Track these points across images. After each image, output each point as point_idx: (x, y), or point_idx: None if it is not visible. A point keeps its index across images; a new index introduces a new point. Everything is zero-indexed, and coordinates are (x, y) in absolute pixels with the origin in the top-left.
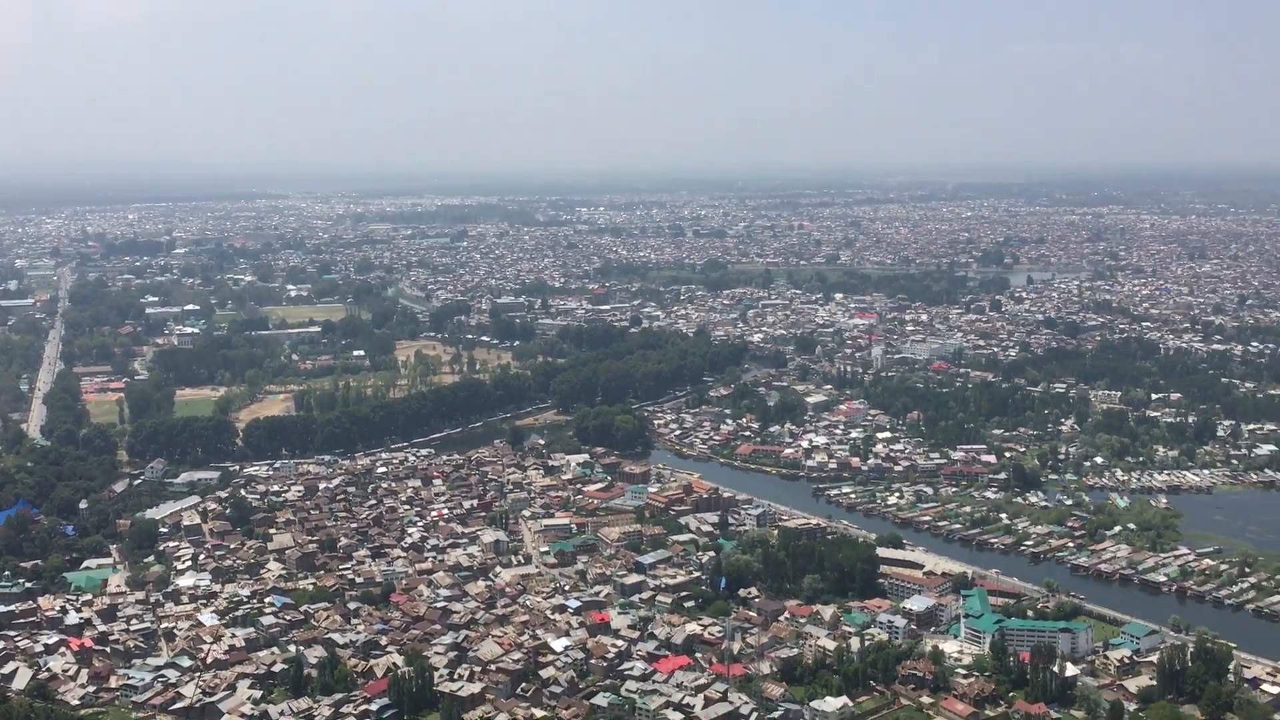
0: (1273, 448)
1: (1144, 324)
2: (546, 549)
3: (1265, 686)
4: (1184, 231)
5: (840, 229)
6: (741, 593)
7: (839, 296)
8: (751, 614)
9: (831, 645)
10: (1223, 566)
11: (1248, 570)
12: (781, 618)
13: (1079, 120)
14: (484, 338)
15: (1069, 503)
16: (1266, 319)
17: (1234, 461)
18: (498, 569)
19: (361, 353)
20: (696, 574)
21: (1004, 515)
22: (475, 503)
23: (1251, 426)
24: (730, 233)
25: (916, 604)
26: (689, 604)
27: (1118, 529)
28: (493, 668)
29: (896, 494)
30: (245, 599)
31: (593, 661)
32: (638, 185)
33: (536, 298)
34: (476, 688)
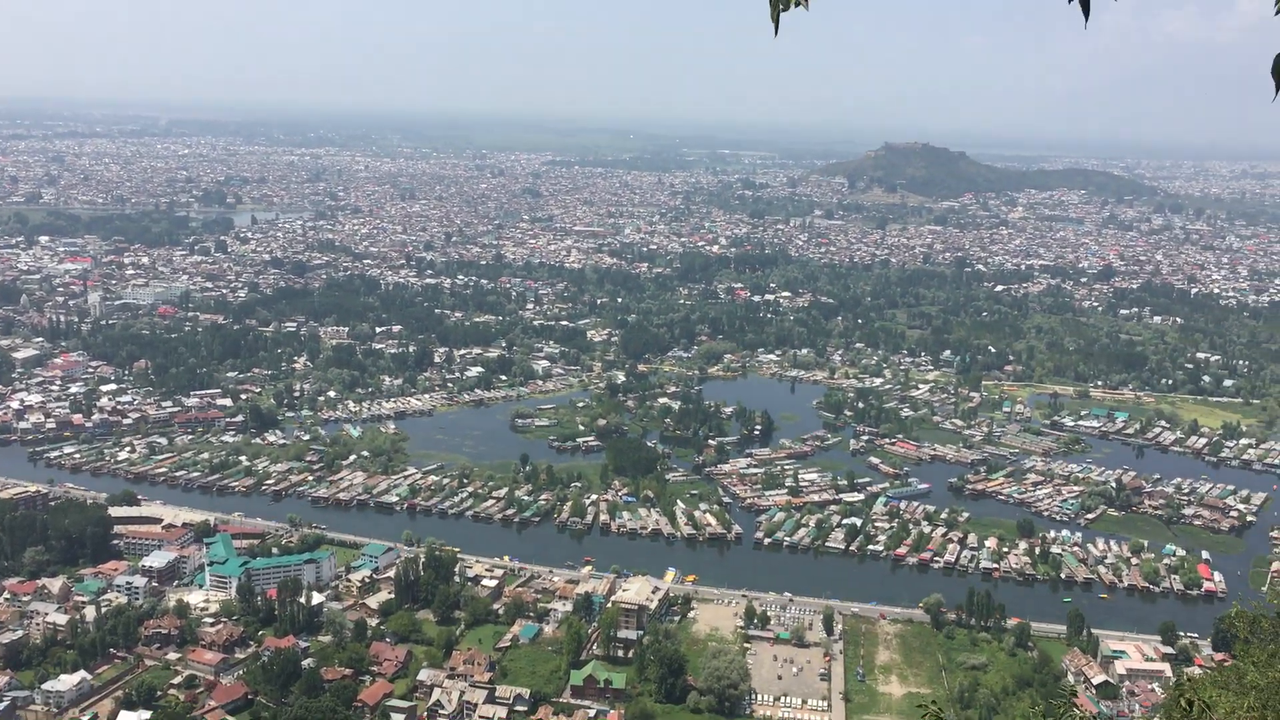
0: (480, 370)
1: (365, 261)
2: None
3: (485, 581)
4: (395, 173)
5: (40, 164)
6: None
7: (44, 239)
8: None
9: (64, 619)
10: (445, 480)
11: (466, 481)
12: (1, 599)
13: (290, 60)
14: None
15: (307, 438)
16: (469, 254)
17: (449, 384)
18: None
19: None
20: None
21: (244, 457)
22: None
23: (462, 352)
24: None
25: (157, 560)
26: None
27: (353, 458)
28: None
29: (128, 449)
30: None
31: None
32: None
33: None
34: None
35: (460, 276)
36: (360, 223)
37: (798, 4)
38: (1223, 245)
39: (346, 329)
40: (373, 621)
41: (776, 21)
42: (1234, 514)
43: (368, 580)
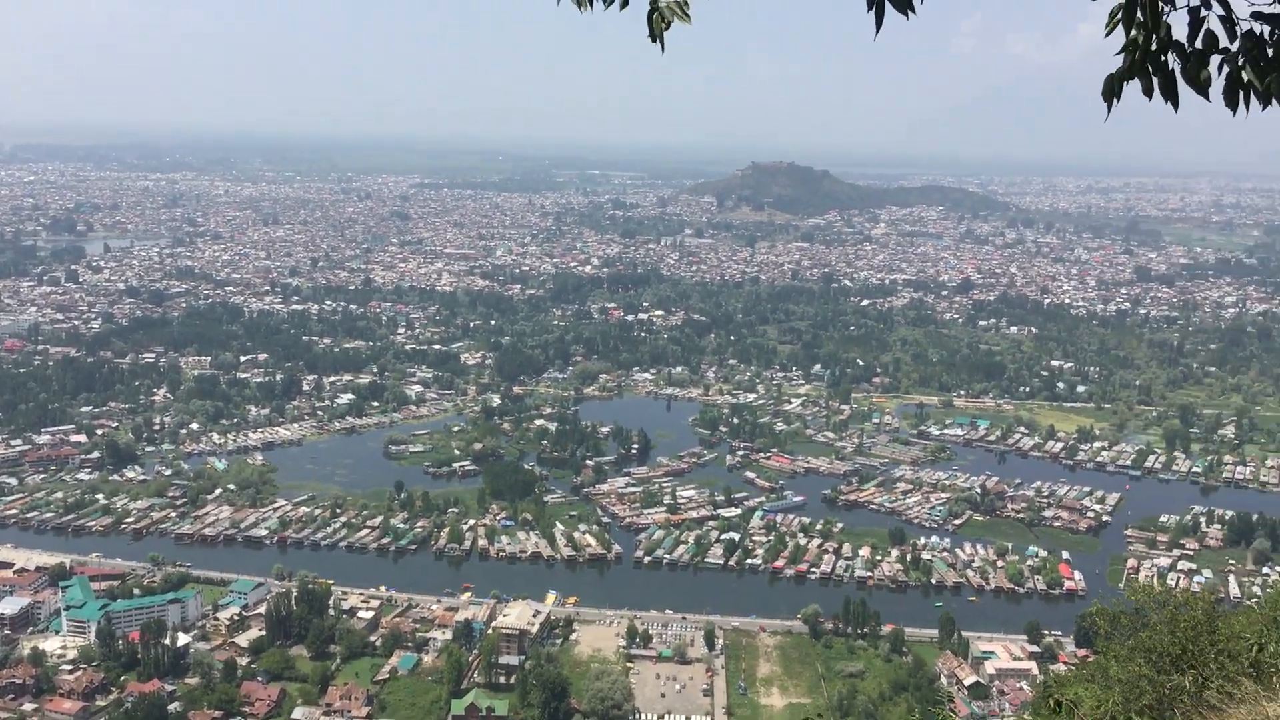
0: (351, 396)
1: (227, 289)
2: None
3: (361, 613)
4: (257, 198)
5: None
6: None
7: None
8: None
9: None
10: (317, 511)
11: (339, 511)
12: None
13: (141, 79)
14: None
15: (168, 473)
16: (337, 278)
17: (319, 412)
18: None
19: None
20: None
21: (101, 496)
22: None
23: (332, 379)
24: None
25: (8, 606)
26: None
27: (219, 492)
28: None
29: None
30: None
31: None
32: None
33: None
34: None
35: (328, 302)
36: (221, 249)
37: (681, 20)
38: (1072, 257)
39: (209, 358)
40: (243, 660)
41: (661, 39)
42: (1090, 514)
43: (237, 618)
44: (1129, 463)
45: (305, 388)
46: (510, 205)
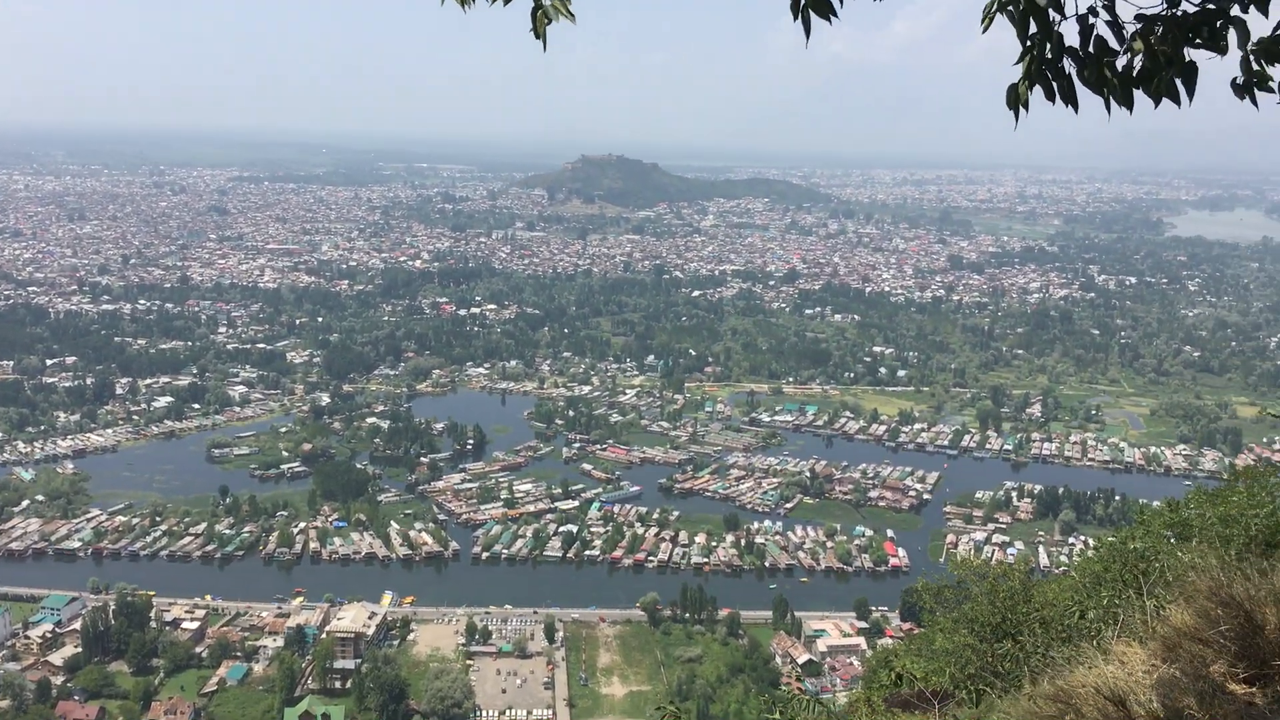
0: (170, 399)
1: (30, 289)
2: None
3: (186, 624)
4: (61, 192)
5: None
6: None
7: None
8: None
9: None
10: (135, 520)
11: (159, 519)
12: None
13: None
14: None
15: None
16: (151, 276)
17: (135, 417)
18: None
19: None
20: None
21: None
22: None
23: (148, 381)
24: None
25: None
26: None
27: (26, 504)
28: None
29: None
30: None
31: None
32: None
33: None
34: None
35: (142, 301)
36: (22, 247)
37: (565, 18)
38: (890, 247)
39: (11, 363)
40: (58, 680)
41: (543, 36)
42: (912, 493)
43: (50, 635)
44: (946, 443)
45: (119, 391)
46: (335, 199)
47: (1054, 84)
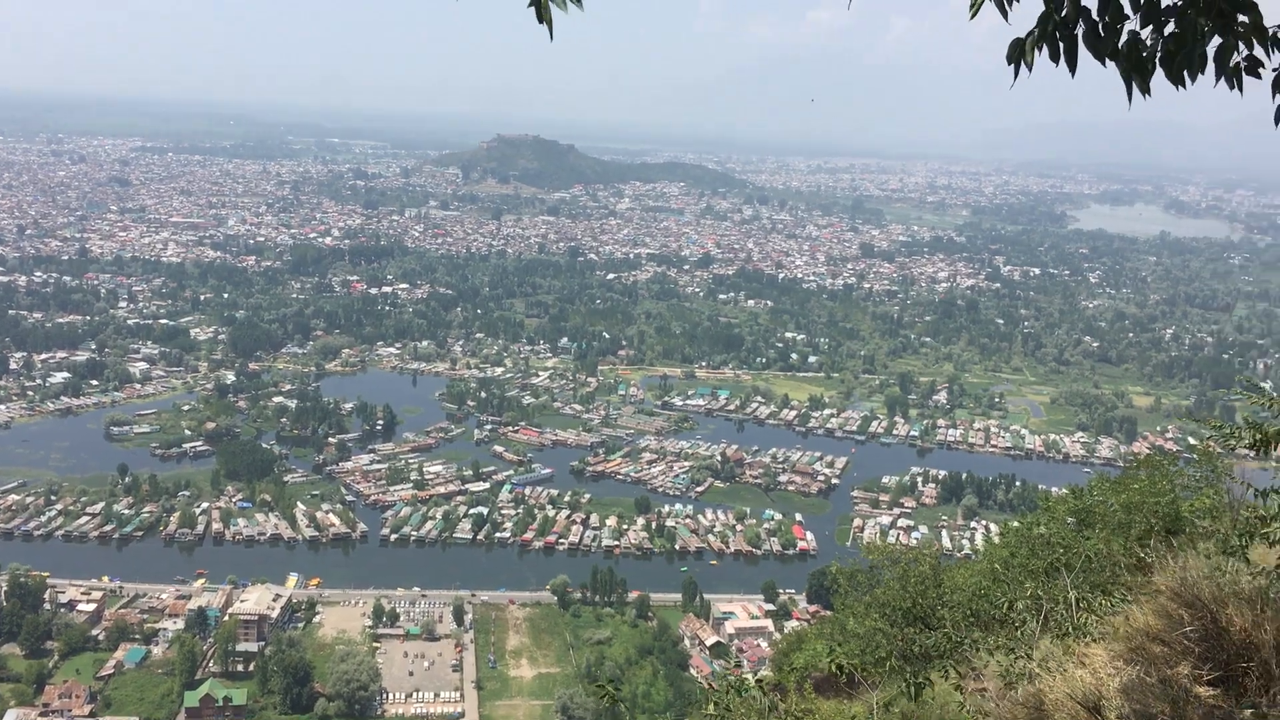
0: (66, 375)
1: None
2: None
3: (81, 606)
4: None
5: None
6: None
7: None
8: None
9: None
10: (29, 499)
11: (54, 498)
12: None
13: None
14: None
15: None
16: (48, 248)
17: (30, 393)
18: None
19: None
20: None
21: None
22: None
23: (44, 356)
24: None
25: None
26: None
27: None
28: None
29: None
30: None
31: None
32: None
33: None
34: None
35: (38, 273)
36: None
37: (574, 4)
38: (803, 234)
39: None
40: None
41: (549, 22)
42: (821, 478)
43: None
44: (855, 428)
45: (13, 366)
46: (243, 173)
47: (1060, 45)
